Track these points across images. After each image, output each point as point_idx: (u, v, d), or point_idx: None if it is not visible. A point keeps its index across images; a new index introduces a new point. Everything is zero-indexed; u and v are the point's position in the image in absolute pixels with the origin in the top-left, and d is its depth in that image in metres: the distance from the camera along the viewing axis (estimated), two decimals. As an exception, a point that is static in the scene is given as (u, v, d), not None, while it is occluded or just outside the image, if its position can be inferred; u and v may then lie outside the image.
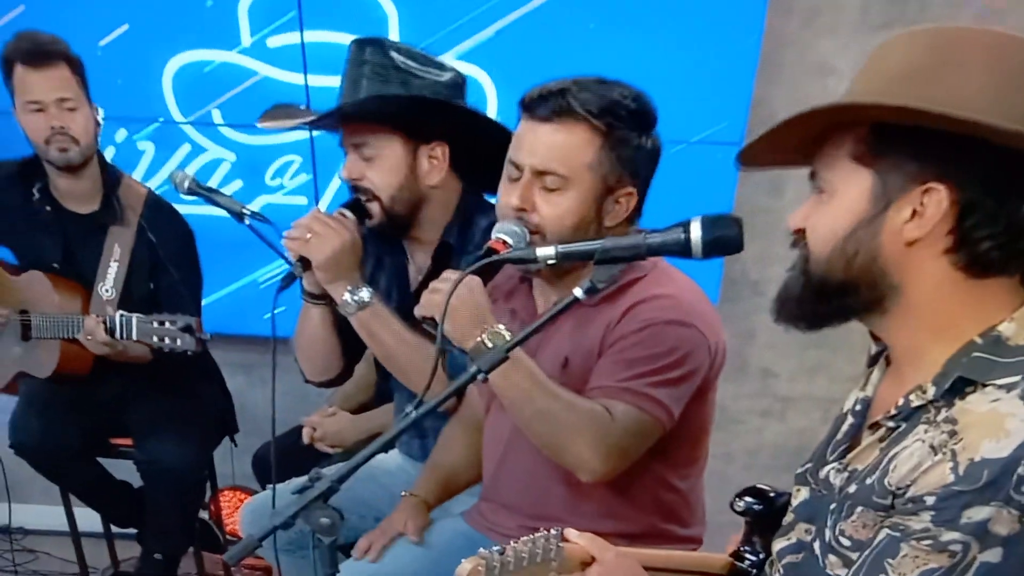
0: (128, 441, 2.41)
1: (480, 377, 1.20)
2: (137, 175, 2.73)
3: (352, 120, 1.80)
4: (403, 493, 1.77)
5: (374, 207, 1.80)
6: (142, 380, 2.36)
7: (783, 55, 2.58)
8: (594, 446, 1.41)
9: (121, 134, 2.75)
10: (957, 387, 0.94)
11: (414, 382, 1.76)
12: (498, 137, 1.76)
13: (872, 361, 1.16)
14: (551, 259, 1.28)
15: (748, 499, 1.22)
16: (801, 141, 1.02)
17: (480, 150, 1.80)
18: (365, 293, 1.72)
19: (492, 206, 1.91)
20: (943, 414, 0.94)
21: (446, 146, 1.80)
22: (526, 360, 1.44)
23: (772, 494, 1.23)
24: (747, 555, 1.22)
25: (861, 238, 0.98)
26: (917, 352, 1.00)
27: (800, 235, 1.04)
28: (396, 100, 1.76)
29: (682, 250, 1.21)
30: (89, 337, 2.08)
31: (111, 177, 2.33)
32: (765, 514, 1.21)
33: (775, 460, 3.00)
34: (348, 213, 1.77)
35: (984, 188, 0.93)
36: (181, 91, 2.70)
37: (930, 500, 0.89)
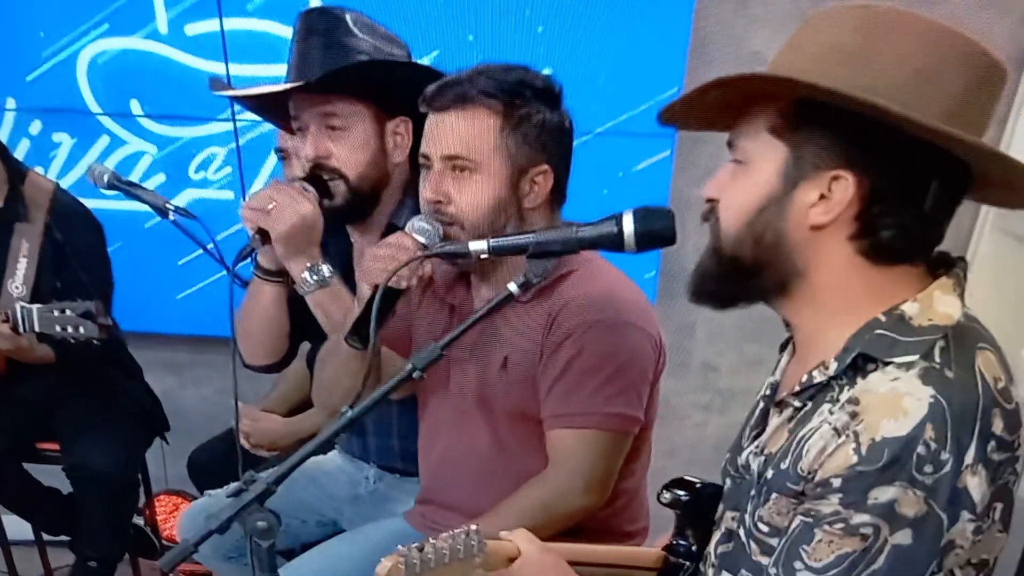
0: (55, 445, 2.32)
1: (416, 375, 1.19)
2: (54, 169, 2.64)
3: (318, 92, 1.65)
4: None
5: (339, 186, 1.69)
6: (62, 380, 2.27)
7: (714, 45, 2.57)
8: (570, 495, 1.45)
9: (36, 126, 2.63)
10: (859, 364, 0.95)
11: None
12: None
13: (782, 347, 1.18)
14: (484, 253, 1.27)
15: (674, 490, 1.23)
16: (723, 106, 1.02)
17: None
18: (325, 271, 1.64)
19: None
20: (846, 393, 0.95)
21: (410, 122, 1.70)
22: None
23: (698, 484, 1.23)
24: (680, 547, 1.22)
25: (769, 218, 0.99)
26: (819, 334, 1.02)
27: (713, 204, 1.05)
28: (384, 65, 1.65)
29: (615, 243, 1.20)
30: None
31: (16, 173, 2.23)
32: (693, 505, 1.22)
33: (717, 454, 2.92)
34: (309, 187, 1.66)
35: (893, 178, 0.94)
36: (97, 81, 2.59)
37: (836, 482, 0.90)
